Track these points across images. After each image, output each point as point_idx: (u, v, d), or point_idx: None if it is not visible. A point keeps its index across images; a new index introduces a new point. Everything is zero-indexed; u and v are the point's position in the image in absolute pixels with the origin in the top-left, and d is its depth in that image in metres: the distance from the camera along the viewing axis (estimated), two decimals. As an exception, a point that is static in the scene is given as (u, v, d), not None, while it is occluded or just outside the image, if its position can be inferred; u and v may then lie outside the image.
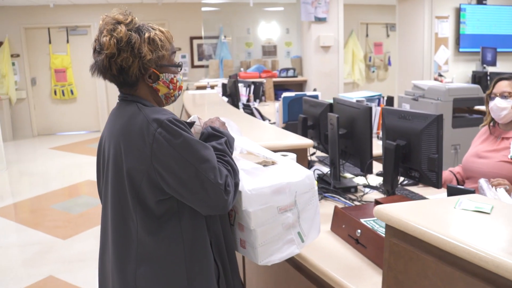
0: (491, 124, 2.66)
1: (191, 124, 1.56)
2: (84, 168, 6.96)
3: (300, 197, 1.61)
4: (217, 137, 1.55)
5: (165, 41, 1.50)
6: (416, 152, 2.17)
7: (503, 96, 2.52)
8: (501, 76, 2.63)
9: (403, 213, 1.33)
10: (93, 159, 6.48)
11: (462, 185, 2.65)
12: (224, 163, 1.46)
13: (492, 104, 2.56)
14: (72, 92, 9.57)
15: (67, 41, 9.47)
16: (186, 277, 1.45)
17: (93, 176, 6.84)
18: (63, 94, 9.53)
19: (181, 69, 1.59)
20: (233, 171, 1.47)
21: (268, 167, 1.67)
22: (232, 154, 1.56)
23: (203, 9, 9.28)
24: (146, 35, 1.45)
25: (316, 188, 1.68)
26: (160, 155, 1.36)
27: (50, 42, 9.40)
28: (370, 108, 2.35)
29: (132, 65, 1.43)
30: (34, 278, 3.58)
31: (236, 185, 1.47)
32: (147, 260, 1.43)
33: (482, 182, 1.99)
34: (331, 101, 2.92)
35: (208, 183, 1.37)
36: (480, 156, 2.59)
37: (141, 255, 1.43)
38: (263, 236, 1.54)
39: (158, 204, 1.42)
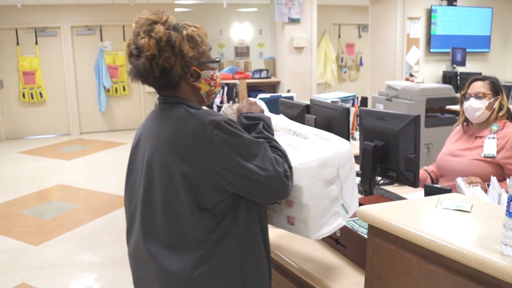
0: (465, 123, 2.70)
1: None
2: (54, 172, 6.80)
3: (342, 169, 1.60)
4: (253, 126, 1.51)
5: (203, 37, 1.47)
6: (393, 152, 2.19)
7: (477, 96, 2.56)
8: (475, 77, 2.67)
9: (386, 214, 1.34)
10: (64, 163, 6.29)
11: (436, 183, 2.69)
12: (273, 149, 1.45)
13: (466, 104, 2.60)
14: (41, 94, 9.35)
15: (36, 43, 9.24)
16: (240, 275, 1.43)
17: (64, 180, 6.65)
18: (32, 97, 9.30)
19: (219, 65, 1.56)
20: (284, 155, 1.45)
21: (309, 139, 1.64)
22: (273, 134, 1.53)
23: (176, 9, 9.21)
24: (184, 32, 1.42)
25: (353, 160, 1.67)
26: (219, 157, 1.34)
27: (18, 44, 9.16)
28: (348, 109, 2.37)
29: (175, 65, 1.40)
30: (6, 286, 3.47)
31: (290, 167, 1.45)
32: (203, 262, 1.40)
33: (460, 181, 2.01)
34: (307, 102, 2.92)
35: (269, 174, 1.37)
36: (454, 154, 2.63)
37: (198, 257, 1.39)
38: (314, 210, 1.52)
39: (217, 205, 1.40)
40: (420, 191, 2.28)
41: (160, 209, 1.42)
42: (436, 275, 1.19)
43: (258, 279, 1.48)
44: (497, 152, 2.46)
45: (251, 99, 1.65)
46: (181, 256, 1.40)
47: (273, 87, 7.94)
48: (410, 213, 1.36)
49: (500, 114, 2.56)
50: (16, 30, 9.09)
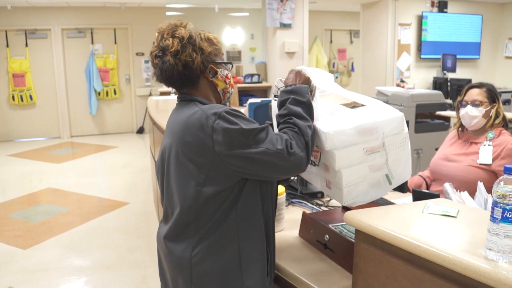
0: (460, 129, 2.71)
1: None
2: (44, 176, 6.75)
3: (388, 139, 1.58)
4: (284, 101, 1.59)
5: (217, 39, 1.67)
6: (382, 157, 2.19)
7: (474, 104, 2.57)
8: (472, 84, 2.67)
9: (373, 219, 1.35)
10: (54, 166, 6.26)
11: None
12: (291, 125, 1.52)
13: (463, 112, 2.61)
14: (31, 97, 9.31)
15: (26, 45, 9.20)
16: (239, 258, 1.53)
17: (54, 184, 6.62)
18: (22, 100, 9.26)
19: (232, 67, 1.72)
20: (300, 131, 1.50)
21: (356, 108, 1.64)
22: (305, 104, 1.55)
23: (168, 13, 9.20)
24: (202, 35, 1.62)
25: (407, 130, 1.63)
26: (221, 143, 1.44)
27: (7, 46, 9.11)
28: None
29: (196, 59, 1.57)
30: (-8, 290, 3.45)
31: (306, 143, 1.50)
32: (202, 240, 1.52)
33: (447, 186, 2.02)
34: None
35: (269, 153, 1.44)
36: (449, 159, 2.63)
37: (198, 238, 1.52)
38: (348, 177, 1.53)
39: (224, 190, 1.49)
40: (409, 196, 2.29)
41: (176, 196, 1.57)
42: (422, 280, 1.20)
43: (256, 267, 1.54)
44: (493, 160, 2.47)
45: (299, 68, 1.69)
46: (184, 238, 1.55)
47: (265, 91, 7.95)
48: (397, 218, 1.37)
49: (497, 121, 2.57)
50: (6, 32, 9.05)
